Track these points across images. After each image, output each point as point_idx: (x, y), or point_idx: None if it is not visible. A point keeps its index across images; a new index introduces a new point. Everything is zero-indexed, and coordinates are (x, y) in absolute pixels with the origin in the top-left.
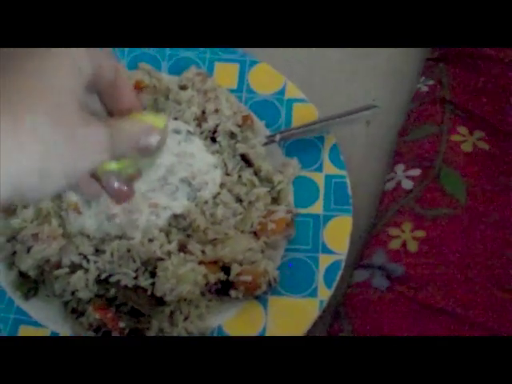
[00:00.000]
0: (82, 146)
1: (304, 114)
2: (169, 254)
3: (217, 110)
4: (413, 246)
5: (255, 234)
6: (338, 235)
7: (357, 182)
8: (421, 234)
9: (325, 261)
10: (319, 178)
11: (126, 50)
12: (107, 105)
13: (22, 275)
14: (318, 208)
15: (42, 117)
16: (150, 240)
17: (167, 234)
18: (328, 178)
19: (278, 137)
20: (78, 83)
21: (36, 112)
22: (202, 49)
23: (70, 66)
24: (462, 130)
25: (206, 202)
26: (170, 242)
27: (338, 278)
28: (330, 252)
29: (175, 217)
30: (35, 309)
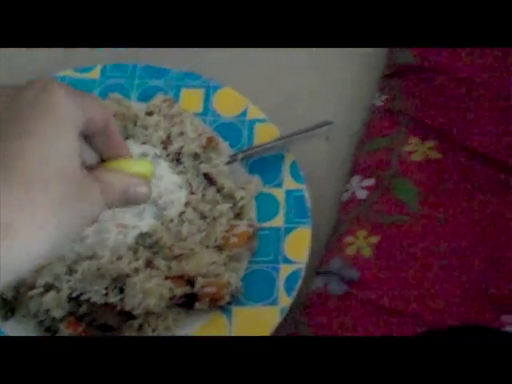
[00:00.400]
0: (82, 209)
1: (265, 133)
2: (136, 270)
3: (182, 133)
4: (367, 252)
5: (219, 248)
6: (298, 246)
7: (319, 194)
8: (375, 239)
9: (285, 270)
10: (280, 193)
11: (97, 80)
12: (98, 149)
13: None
14: (279, 221)
15: (52, 188)
16: (119, 258)
17: (135, 252)
18: (288, 192)
19: (240, 156)
20: (74, 139)
21: (45, 185)
22: (168, 77)
23: (64, 123)
24: (414, 140)
25: (172, 220)
26: (137, 259)
27: (297, 286)
28: (290, 262)
29: (142, 235)
30: (12, 329)
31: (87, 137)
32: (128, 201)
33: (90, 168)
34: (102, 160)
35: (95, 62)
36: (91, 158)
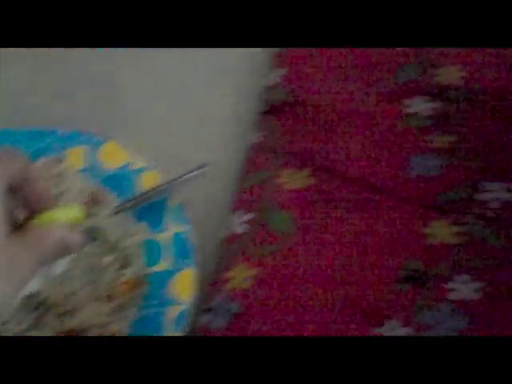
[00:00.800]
0: (16, 277)
1: (149, 180)
2: (25, 331)
3: (65, 192)
4: (247, 284)
5: (108, 298)
6: (184, 287)
7: (204, 234)
8: (254, 272)
9: (173, 312)
10: (166, 237)
11: None
12: (25, 202)
13: None
14: (165, 265)
15: None
16: (8, 320)
17: (23, 313)
18: (173, 235)
19: (125, 206)
20: (1, 205)
21: None
22: (54, 138)
23: None
24: (288, 172)
25: (60, 278)
26: (26, 320)
27: (184, 326)
28: (176, 303)
29: (30, 295)
30: None
31: (12, 191)
32: (62, 252)
33: (20, 225)
34: (32, 212)
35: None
36: (20, 213)
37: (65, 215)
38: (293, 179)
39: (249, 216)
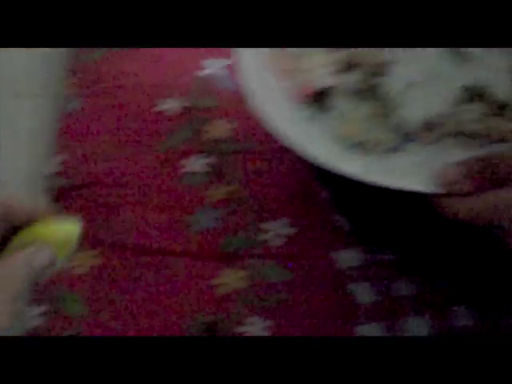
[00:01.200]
0: None
1: None
2: None
3: None
4: None
5: None
6: None
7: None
8: None
9: None
10: None
11: None
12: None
13: None
14: None
15: None
16: None
17: None
18: None
19: None
20: None
21: None
22: None
23: None
24: (78, 255)
25: None
26: None
27: None
28: None
29: None
30: None
31: None
32: (37, 274)
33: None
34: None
35: None
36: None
37: (55, 233)
38: (82, 261)
39: (42, 308)
